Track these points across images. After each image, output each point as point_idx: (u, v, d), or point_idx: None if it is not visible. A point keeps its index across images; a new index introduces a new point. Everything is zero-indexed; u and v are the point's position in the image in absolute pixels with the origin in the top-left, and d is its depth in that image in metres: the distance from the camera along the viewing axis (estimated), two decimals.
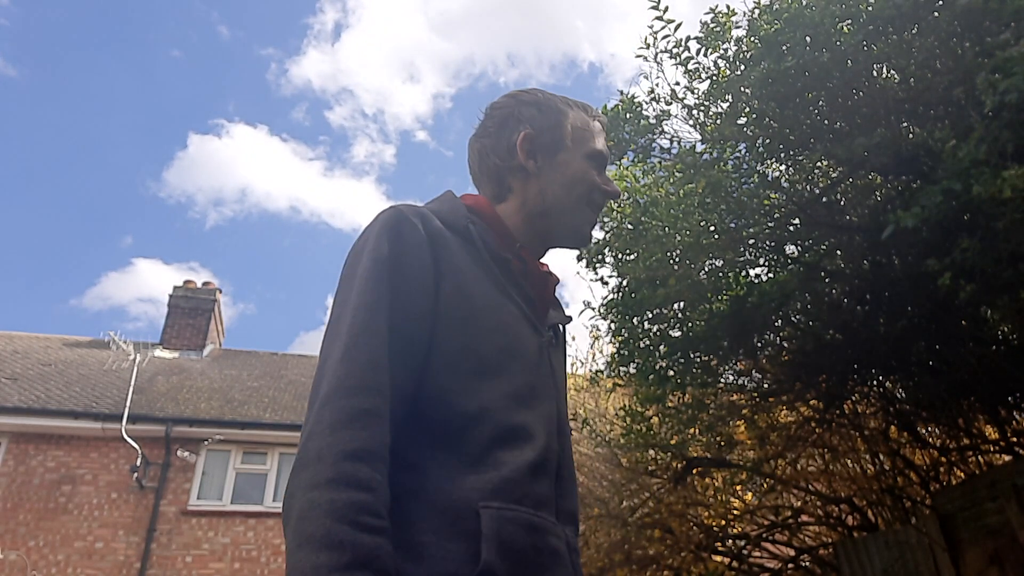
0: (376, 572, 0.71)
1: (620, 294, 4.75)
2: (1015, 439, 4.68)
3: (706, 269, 4.47)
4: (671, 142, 4.39)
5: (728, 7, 4.07)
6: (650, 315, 4.68)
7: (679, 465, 5.63)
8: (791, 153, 4.10)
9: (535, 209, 1.11)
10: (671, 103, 4.31)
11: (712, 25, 4.06)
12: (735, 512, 6.50)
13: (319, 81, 45.21)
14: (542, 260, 1.16)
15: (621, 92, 4.43)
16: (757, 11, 3.91)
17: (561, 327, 1.18)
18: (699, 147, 4.21)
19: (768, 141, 3.96)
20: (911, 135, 3.57)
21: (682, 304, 4.54)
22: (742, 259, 4.50)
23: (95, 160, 36.39)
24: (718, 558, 6.38)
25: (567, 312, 1.20)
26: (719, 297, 4.40)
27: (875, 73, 3.69)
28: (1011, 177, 2.51)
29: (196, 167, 38.46)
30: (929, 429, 5.33)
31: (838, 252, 4.18)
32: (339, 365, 0.82)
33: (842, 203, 4.25)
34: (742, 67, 3.90)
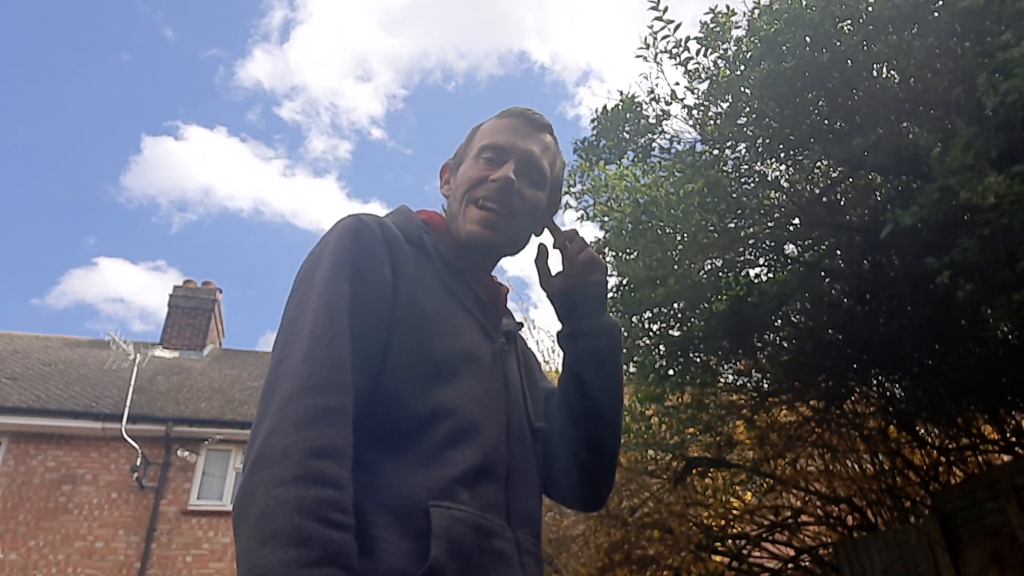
0: (344, 568, 0.72)
1: (620, 293, 4.75)
2: (1015, 439, 4.68)
3: (706, 269, 4.47)
4: (671, 142, 4.40)
5: (728, 7, 4.07)
6: (650, 314, 4.68)
7: (679, 465, 5.63)
8: (791, 153, 4.10)
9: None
10: (671, 103, 4.32)
11: (712, 25, 4.07)
12: (735, 512, 6.50)
13: (269, 81, 44.68)
14: (491, 273, 1.20)
15: (621, 92, 4.44)
16: (757, 11, 3.92)
17: (515, 333, 1.22)
18: (699, 147, 4.21)
19: (768, 141, 3.96)
20: (911, 135, 3.57)
21: (682, 303, 4.54)
22: (742, 259, 4.50)
23: (50, 164, 35.88)
24: (718, 558, 6.38)
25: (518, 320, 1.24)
26: (719, 297, 4.40)
27: (875, 73, 3.69)
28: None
29: (154, 169, 37.81)
30: (929, 429, 5.33)
31: (838, 252, 4.18)
32: (302, 364, 0.83)
33: (842, 203, 4.25)
34: (742, 67, 3.91)
